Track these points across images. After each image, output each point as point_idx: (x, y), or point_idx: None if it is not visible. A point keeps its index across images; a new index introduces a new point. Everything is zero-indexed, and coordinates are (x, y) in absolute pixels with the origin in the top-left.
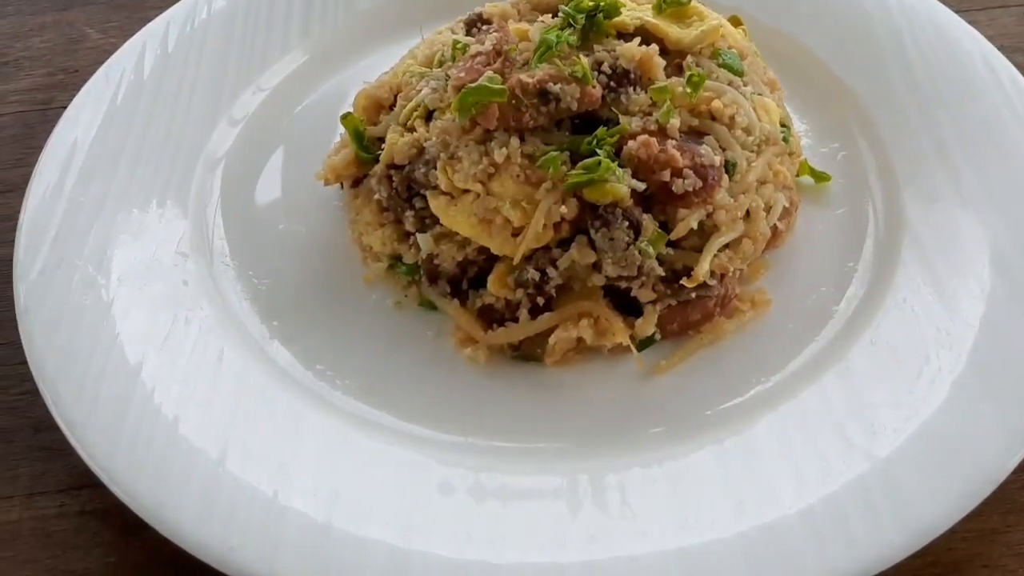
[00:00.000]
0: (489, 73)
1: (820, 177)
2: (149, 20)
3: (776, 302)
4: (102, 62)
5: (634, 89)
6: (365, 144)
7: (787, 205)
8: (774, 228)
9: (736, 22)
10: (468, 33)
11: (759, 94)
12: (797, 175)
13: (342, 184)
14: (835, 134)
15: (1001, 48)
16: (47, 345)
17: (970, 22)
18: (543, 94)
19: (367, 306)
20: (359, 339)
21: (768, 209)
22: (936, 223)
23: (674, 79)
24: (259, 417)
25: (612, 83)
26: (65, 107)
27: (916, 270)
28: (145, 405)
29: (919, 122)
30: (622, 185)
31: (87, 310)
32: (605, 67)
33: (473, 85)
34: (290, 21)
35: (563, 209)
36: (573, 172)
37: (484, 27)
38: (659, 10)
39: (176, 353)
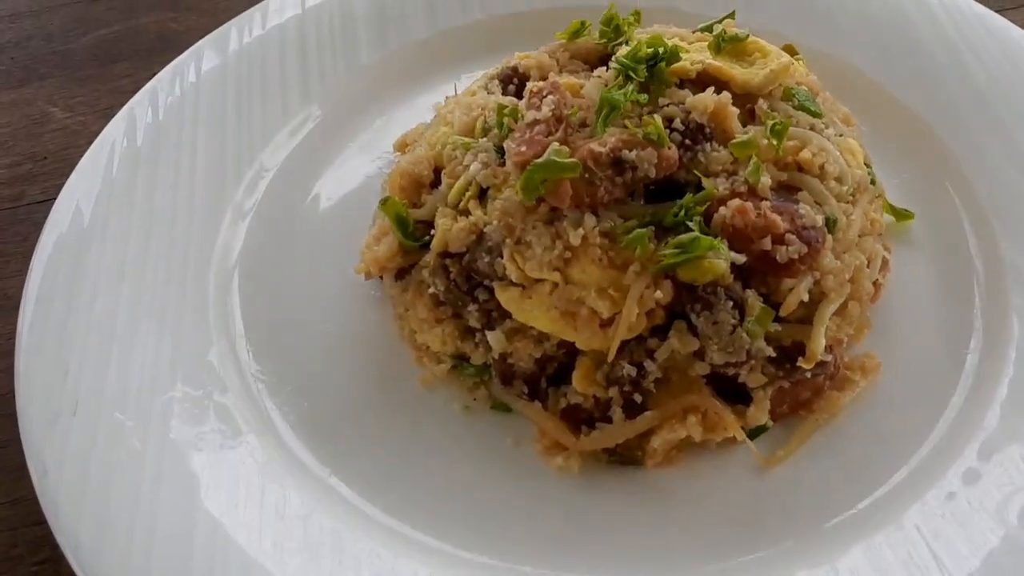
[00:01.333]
0: (555, 145)
1: (902, 215)
2: (120, 92)
3: (885, 364)
4: (72, 145)
5: (711, 145)
6: (410, 231)
7: (886, 255)
8: (875, 283)
9: (791, 51)
10: (505, 91)
11: (840, 135)
12: None
13: (381, 275)
14: (903, 164)
15: None
16: (77, 513)
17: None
18: (617, 163)
19: (431, 414)
20: (430, 456)
21: (868, 264)
22: None
23: (752, 129)
24: (343, 570)
25: (687, 140)
26: (38, 202)
27: None
28: (208, 573)
29: (993, 141)
30: (722, 261)
31: (119, 465)
32: (677, 123)
33: (539, 161)
34: (288, 86)
35: (658, 294)
36: (667, 251)
37: (525, 83)
38: (717, 49)
39: (231, 505)
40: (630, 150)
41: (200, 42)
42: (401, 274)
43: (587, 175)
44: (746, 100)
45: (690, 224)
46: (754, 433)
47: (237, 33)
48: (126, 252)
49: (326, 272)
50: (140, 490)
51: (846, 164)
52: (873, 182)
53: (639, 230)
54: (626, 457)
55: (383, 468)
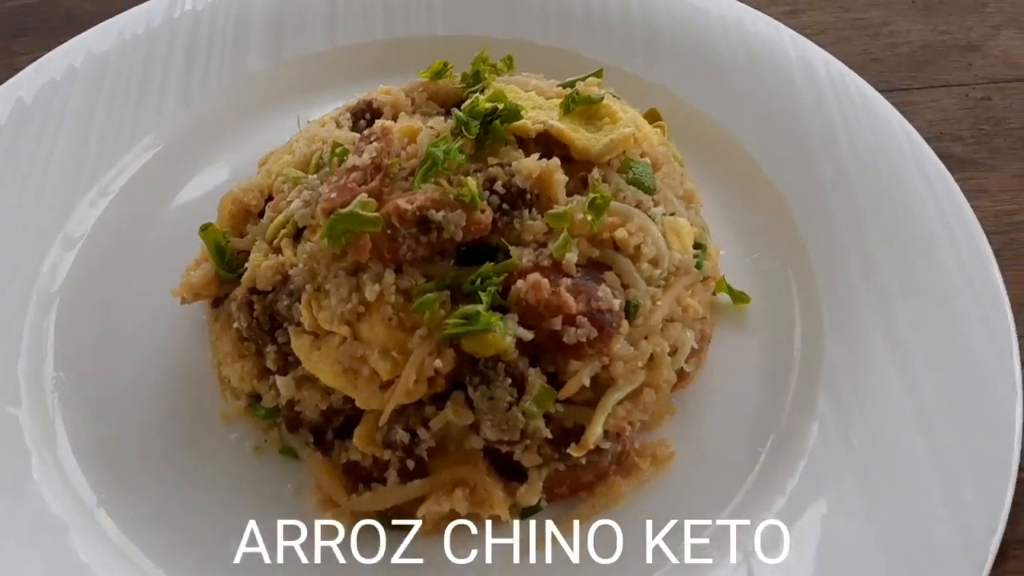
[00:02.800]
0: (362, 197)
1: (739, 298)
2: (14, 69)
3: (682, 453)
4: None
5: (530, 212)
6: (228, 259)
7: (695, 345)
8: (680, 370)
9: (654, 116)
10: (355, 125)
11: (671, 213)
12: (714, 293)
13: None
14: (758, 242)
15: (939, 136)
16: None
17: (909, 103)
18: (423, 222)
19: (221, 451)
20: (208, 496)
21: (674, 352)
22: (858, 365)
23: (575, 200)
24: None
25: (505, 205)
26: None
27: (832, 425)
28: None
29: (850, 240)
30: (506, 336)
31: None
32: (498, 186)
33: (344, 211)
34: (166, 88)
35: (438, 363)
36: (450, 321)
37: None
38: (567, 110)
39: None
40: (438, 210)
41: (85, 33)
42: (218, 303)
43: (390, 231)
44: (586, 167)
45: (482, 294)
46: (528, 512)
47: (126, 26)
48: None
49: (159, 294)
50: None
51: (666, 246)
52: (700, 266)
53: (428, 295)
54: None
55: (156, 502)
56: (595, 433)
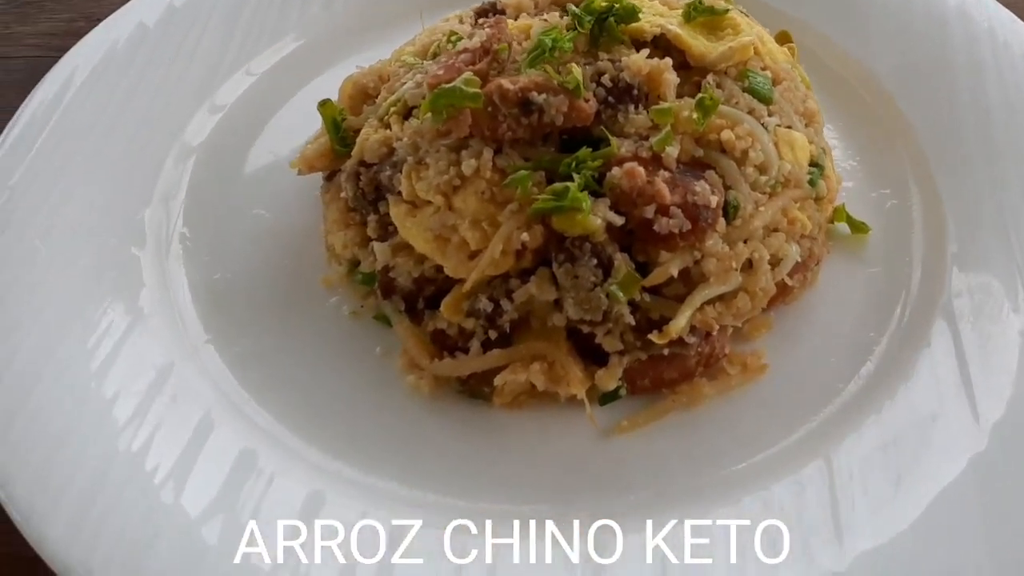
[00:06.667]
0: (467, 74)
1: (858, 228)
2: None
3: (776, 368)
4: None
5: (636, 107)
6: (342, 135)
7: (800, 259)
8: (782, 283)
9: (784, 38)
10: (477, 24)
11: (787, 126)
12: (831, 221)
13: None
14: (889, 178)
15: None
16: None
17: None
18: (525, 104)
19: (321, 311)
20: (301, 347)
21: (776, 262)
22: (981, 308)
23: (683, 100)
24: (170, 424)
25: (611, 98)
26: None
27: (943, 361)
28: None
29: (985, 181)
30: (595, 217)
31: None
32: (606, 79)
33: (447, 86)
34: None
35: (525, 236)
36: (541, 196)
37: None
38: (688, 18)
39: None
40: (540, 93)
41: None
42: (331, 177)
43: (491, 109)
44: (699, 75)
45: (576, 176)
46: (607, 398)
47: None
48: (97, 119)
49: (286, 168)
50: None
51: (777, 155)
52: (814, 183)
53: (522, 172)
54: (474, 390)
55: (256, 348)
56: (679, 324)
